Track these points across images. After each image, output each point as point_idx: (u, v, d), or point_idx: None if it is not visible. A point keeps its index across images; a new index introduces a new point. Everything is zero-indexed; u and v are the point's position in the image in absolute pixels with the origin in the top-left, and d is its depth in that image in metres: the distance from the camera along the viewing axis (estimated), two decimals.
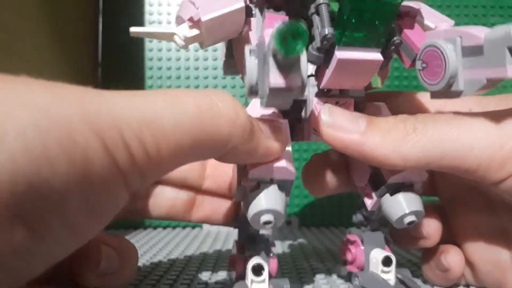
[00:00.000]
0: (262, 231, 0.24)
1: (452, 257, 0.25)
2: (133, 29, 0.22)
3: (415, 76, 0.53)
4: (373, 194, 0.24)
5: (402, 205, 0.22)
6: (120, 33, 0.57)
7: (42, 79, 0.14)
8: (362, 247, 0.25)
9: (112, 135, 0.13)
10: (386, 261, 0.24)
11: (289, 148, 0.21)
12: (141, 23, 0.52)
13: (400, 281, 0.24)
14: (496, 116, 0.20)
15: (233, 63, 0.27)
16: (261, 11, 0.22)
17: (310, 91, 0.23)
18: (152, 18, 0.52)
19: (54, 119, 0.12)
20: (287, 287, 0.23)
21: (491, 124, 0.20)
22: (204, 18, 0.21)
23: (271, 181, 0.20)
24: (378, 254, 0.25)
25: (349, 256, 0.26)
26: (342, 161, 0.26)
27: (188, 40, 0.22)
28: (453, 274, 0.25)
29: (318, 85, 0.22)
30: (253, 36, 0.22)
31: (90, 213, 0.14)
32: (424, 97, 0.27)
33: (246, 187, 0.20)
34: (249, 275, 0.22)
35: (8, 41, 0.34)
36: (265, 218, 0.19)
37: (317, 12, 0.20)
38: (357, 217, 0.27)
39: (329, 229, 0.48)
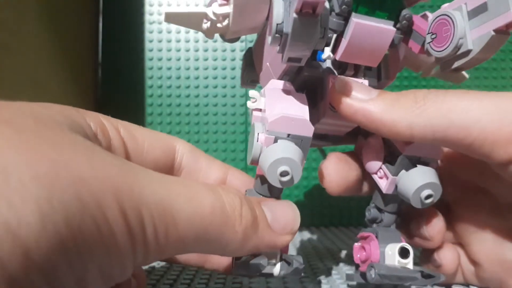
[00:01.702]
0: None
1: (444, 253, 0.26)
2: (169, 9, 0.22)
3: (415, 76, 0.53)
4: (388, 173, 0.23)
5: (417, 178, 0.22)
6: (120, 33, 0.57)
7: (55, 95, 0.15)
8: (376, 242, 0.24)
9: (134, 215, 0.15)
10: (403, 252, 0.23)
11: (306, 106, 0.21)
12: (141, 23, 0.52)
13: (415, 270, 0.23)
14: (508, 96, 0.20)
15: (251, 71, 0.27)
16: None
17: (326, 72, 0.23)
18: (152, 18, 0.52)
19: (93, 193, 0.14)
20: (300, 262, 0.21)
21: (501, 100, 0.20)
22: None
23: (288, 137, 0.20)
24: (393, 247, 0.23)
25: (362, 255, 0.25)
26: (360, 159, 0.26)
27: (219, 19, 0.22)
28: (446, 270, 0.25)
29: (333, 63, 0.23)
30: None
31: (102, 279, 0.15)
32: None
33: (263, 144, 0.20)
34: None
35: (8, 41, 0.34)
36: (282, 168, 0.19)
37: None
38: (370, 213, 0.26)
39: (329, 229, 0.48)
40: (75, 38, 0.48)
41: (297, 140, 0.20)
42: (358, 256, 0.25)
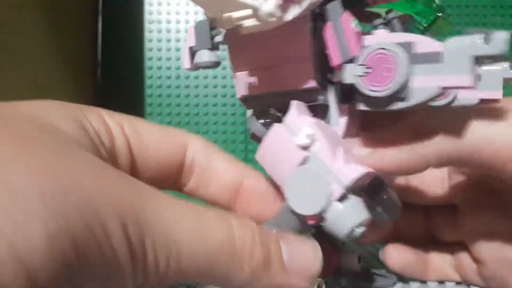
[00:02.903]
0: None
1: (386, 253, 0.26)
2: None
3: None
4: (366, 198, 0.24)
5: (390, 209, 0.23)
6: (120, 33, 0.57)
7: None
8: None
9: (138, 241, 0.14)
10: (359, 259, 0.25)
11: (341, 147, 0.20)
12: (141, 23, 0.52)
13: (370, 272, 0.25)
14: None
15: (211, 55, 0.23)
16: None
17: (331, 98, 0.22)
18: (152, 18, 0.52)
19: (99, 216, 0.13)
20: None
21: (508, 116, 0.20)
22: None
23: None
24: (349, 255, 0.25)
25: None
26: None
27: (265, 21, 0.18)
28: (392, 268, 0.26)
29: (337, 91, 0.21)
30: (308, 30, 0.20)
31: None
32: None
33: (334, 198, 0.19)
34: None
35: (8, 41, 0.34)
36: (360, 230, 0.19)
37: (387, 24, 0.20)
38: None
39: None
40: (75, 38, 0.48)
41: (356, 190, 0.19)
42: None
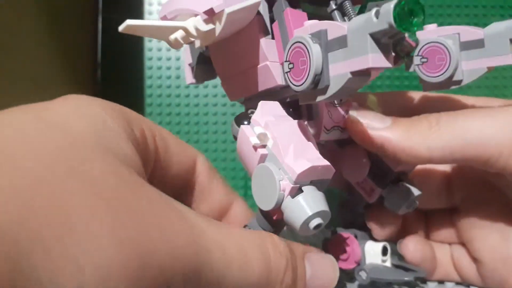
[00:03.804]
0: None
1: (404, 244, 0.27)
2: (129, 22, 0.18)
3: (415, 76, 0.53)
4: (374, 187, 0.25)
5: (405, 194, 0.24)
6: (120, 33, 0.57)
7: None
8: (357, 242, 0.27)
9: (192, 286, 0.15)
10: (384, 251, 0.26)
11: (314, 141, 0.21)
12: None
13: (396, 266, 0.26)
14: None
15: (206, 68, 0.26)
16: (270, 5, 0.22)
17: None
18: (151, 18, 0.52)
19: (163, 270, 0.14)
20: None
21: (509, 113, 0.21)
22: (229, 10, 0.19)
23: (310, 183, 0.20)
24: (374, 246, 0.26)
25: (343, 255, 0.27)
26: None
27: (202, 36, 0.20)
28: (409, 261, 0.27)
29: None
30: (262, 34, 0.21)
31: None
32: (416, 95, 0.28)
33: (286, 193, 0.19)
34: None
35: (8, 41, 0.34)
36: (316, 222, 0.19)
37: (340, 8, 0.20)
38: (347, 216, 0.28)
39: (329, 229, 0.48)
40: (74, 38, 0.48)
41: (318, 182, 0.20)
42: (337, 255, 0.27)
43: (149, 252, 0.13)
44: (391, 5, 0.15)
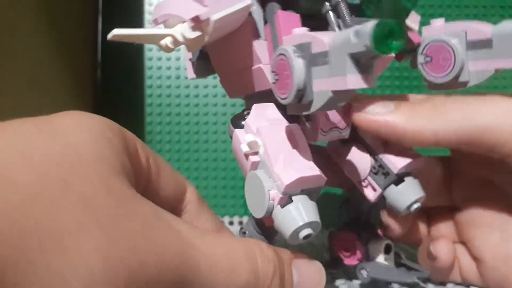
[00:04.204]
0: None
1: (440, 246, 0.26)
2: (116, 31, 0.18)
3: (415, 76, 0.53)
4: (377, 186, 0.24)
5: (408, 194, 0.24)
6: None
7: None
8: (359, 241, 0.27)
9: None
10: (387, 249, 0.25)
11: (308, 149, 0.20)
12: (140, 23, 0.52)
13: (400, 264, 0.26)
14: None
15: (206, 64, 0.26)
16: (263, 6, 0.21)
17: None
18: (151, 18, 0.52)
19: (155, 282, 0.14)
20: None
21: None
22: (215, 17, 0.18)
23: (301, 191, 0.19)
24: (377, 244, 0.26)
25: (347, 249, 0.27)
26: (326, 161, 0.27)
27: (190, 42, 0.20)
28: (440, 263, 0.26)
29: None
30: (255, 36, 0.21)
31: None
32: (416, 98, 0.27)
33: (274, 203, 0.19)
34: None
35: (8, 41, 0.34)
36: (305, 232, 0.18)
37: (335, 10, 0.20)
38: (350, 214, 0.28)
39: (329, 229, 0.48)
40: (74, 38, 0.48)
41: (310, 192, 0.19)
42: (340, 252, 0.27)
43: (137, 265, 0.14)
44: (369, 26, 0.14)
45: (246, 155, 0.20)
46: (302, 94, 0.17)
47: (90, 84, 0.52)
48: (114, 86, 0.52)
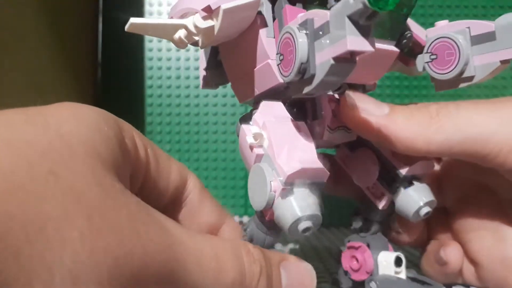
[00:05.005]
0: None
1: (451, 251, 0.26)
2: (133, 20, 0.19)
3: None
4: (384, 191, 0.24)
5: (417, 198, 0.23)
6: (120, 33, 0.57)
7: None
8: (369, 252, 0.25)
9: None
10: (397, 261, 0.24)
11: (312, 144, 0.20)
12: None
13: (412, 279, 0.24)
14: None
15: (218, 73, 0.26)
16: (273, 3, 0.22)
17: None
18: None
19: (137, 279, 0.14)
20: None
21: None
22: (225, 6, 0.19)
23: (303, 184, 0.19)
24: (387, 256, 0.24)
25: (354, 264, 0.25)
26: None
27: (202, 34, 0.20)
28: (451, 268, 0.26)
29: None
30: (264, 33, 0.21)
31: None
32: None
33: (277, 194, 0.19)
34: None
35: (8, 41, 0.34)
36: (304, 225, 0.18)
37: None
38: (358, 223, 0.26)
39: (329, 230, 0.48)
40: (75, 38, 0.48)
41: (312, 186, 0.19)
42: (349, 265, 0.26)
43: (123, 257, 0.14)
44: None
45: (251, 147, 0.20)
46: (305, 68, 0.17)
47: (90, 84, 0.52)
48: (114, 86, 0.53)
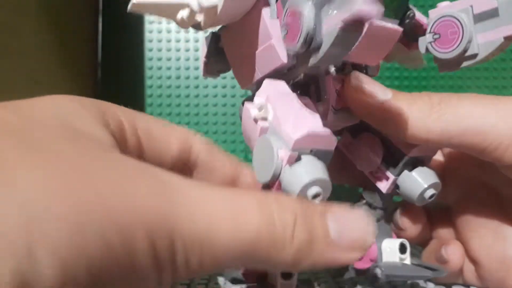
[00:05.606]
0: None
1: (452, 249, 0.26)
2: (135, 0, 0.19)
3: (415, 76, 0.53)
4: (389, 174, 0.24)
5: (421, 180, 0.23)
6: (120, 33, 0.57)
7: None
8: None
9: (165, 248, 0.13)
10: (402, 248, 0.24)
11: (317, 115, 0.20)
12: (140, 22, 0.52)
13: (417, 265, 0.24)
14: None
15: (219, 60, 0.25)
16: None
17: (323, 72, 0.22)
18: (151, 17, 0.52)
19: (122, 232, 0.12)
20: None
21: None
22: None
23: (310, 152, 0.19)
24: (391, 243, 0.24)
25: None
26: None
27: (205, 14, 0.20)
28: (452, 267, 0.26)
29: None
30: (267, 12, 0.21)
31: None
32: None
33: (284, 162, 0.18)
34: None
35: (8, 41, 0.34)
36: (314, 190, 0.17)
37: None
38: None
39: None
40: (75, 38, 0.48)
41: (320, 154, 0.19)
42: None
43: (101, 209, 0.12)
44: None
45: (256, 120, 0.19)
46: (311, 38, 0.17)
47: (90, 84, 0.52)
48: (114, 86, 0.53)
